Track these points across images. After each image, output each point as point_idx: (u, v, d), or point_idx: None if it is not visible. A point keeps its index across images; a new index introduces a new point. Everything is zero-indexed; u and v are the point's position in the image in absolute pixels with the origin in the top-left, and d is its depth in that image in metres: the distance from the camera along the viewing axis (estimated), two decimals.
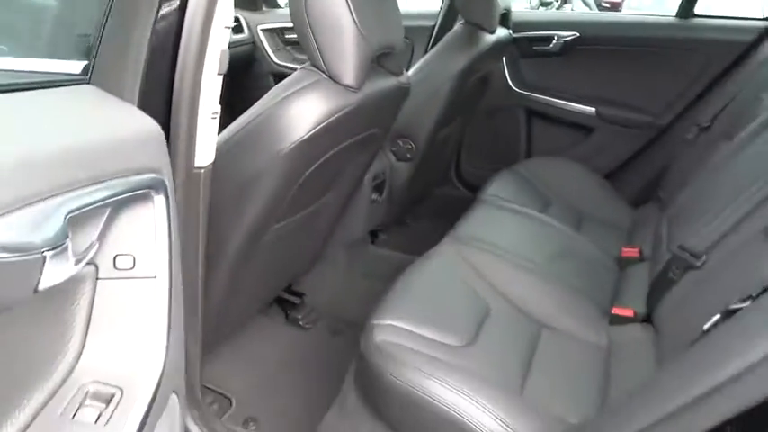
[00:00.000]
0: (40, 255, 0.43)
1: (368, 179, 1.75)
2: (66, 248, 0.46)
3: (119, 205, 0.61)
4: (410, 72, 1.78)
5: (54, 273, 0.46)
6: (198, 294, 1.04)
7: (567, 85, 2.34)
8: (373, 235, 2.16)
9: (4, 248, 0.39)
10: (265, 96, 1.09)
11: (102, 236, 0.61)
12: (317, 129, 1.05)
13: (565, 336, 1.36)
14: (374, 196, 1.81)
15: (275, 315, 1.80)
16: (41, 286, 0.45)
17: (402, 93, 1.35)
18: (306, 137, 1.04)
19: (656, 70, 2.23)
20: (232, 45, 2.06)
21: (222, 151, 1.11)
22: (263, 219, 1.14)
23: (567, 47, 2.28)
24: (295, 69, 1.15)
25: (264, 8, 2.64)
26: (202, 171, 0.93)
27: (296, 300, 1.84)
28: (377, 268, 1.97)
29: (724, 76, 2.11)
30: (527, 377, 1.16)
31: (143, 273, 0.64)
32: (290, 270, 1.64)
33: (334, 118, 1.06)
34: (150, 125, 0.67)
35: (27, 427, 0.52)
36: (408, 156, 1.87)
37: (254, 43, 2.49)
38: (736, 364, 0.68)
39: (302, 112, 1.04)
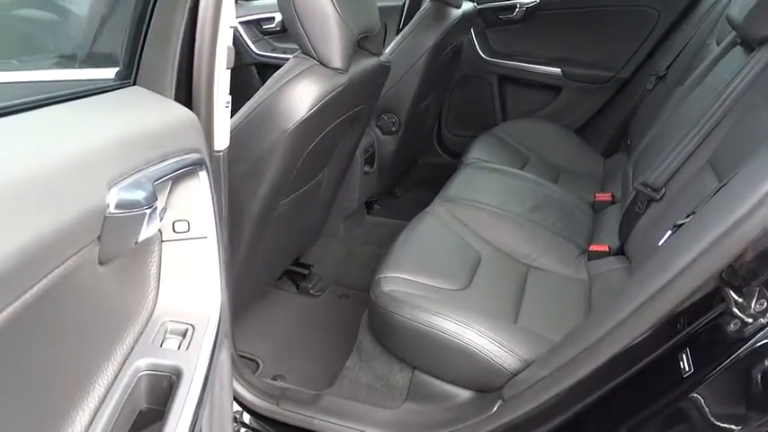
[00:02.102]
0: (143, 211, 0.58)
1: (359, 153, 1.89)
2: (157, 208, 0.61)
3: (174, 179, 0.75)
4: (386, 51, 1.92)
5: (148, 227, 0.61)
6: (226, 261, 1.19)
7: (533, 49, 2.50)
8: (368, 206, 2.31)
9: (125, 206, 0.54)
10: (266, 84, 1.22)
11: (166, 204, 0.76)
12: (314, 109, 1.19)
13: (549, 273, 1.53)
14: (366, 168, 1.96)
15: (287, 287, 1.95)
16: (141, 238, 0.60)
17: (383, 70, 1.49)
18: (306, 116, 1.18)
19: (614, 27, 2.39)
20: None
21: (234, 135, 1.25)
22: (274, 193, 1.28)
23: (529, 13, 2.43)
24: (275, 58, 1.29)
25: (239, 1, 2.74)
26: (221, 154, 1.08)
27: (305, 271, 1.99)
28: (374, 236, 2.13)
29: (675, 26, 2.28)
30: (519, 310, 1.33)
31: (196, 234, 0.79)
32: (300, 242, 1.78)
33: (328, 98, 1.21)
34: (189, 115, 0.82)
35: (130, 353, 0.67)
36: (393, 129, 2.02)
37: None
38: (673, 268, 0.85)
39: (301, 94, 1.18)
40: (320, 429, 1.26)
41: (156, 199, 0.60)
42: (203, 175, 0.79)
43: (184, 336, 0.74)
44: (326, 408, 1.30)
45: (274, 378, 1.55)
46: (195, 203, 0.79)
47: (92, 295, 0.58)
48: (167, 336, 0.73)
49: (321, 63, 1.22)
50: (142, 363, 0.67)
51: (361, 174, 1.93)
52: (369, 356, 1.41)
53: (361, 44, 1.41)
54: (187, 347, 0.72)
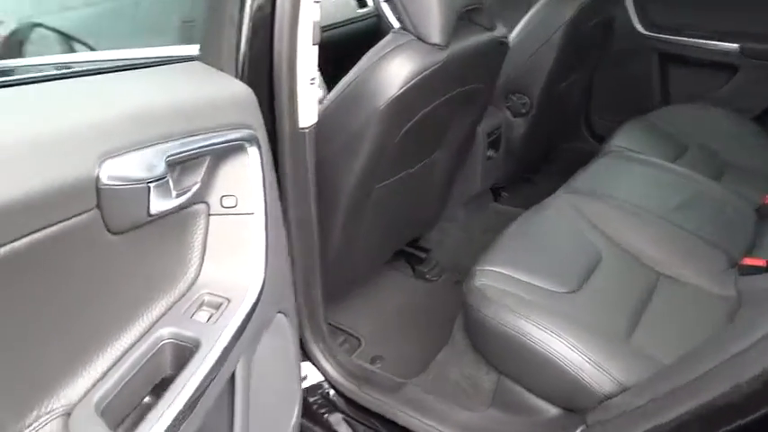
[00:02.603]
0: (145, 185, 0.58)
1: (482, 136, 1.79)
2: (167, 182, 0.61)
3: (220, 154, 0.76)
4: (519, 25, 1.77)
5: (160, 201, 0.61)
6: (314, 239, 1.18)
7: (704, 21, 2.13)
8: (496, 193, 2.19)
9: (119, 179, 0.55)
10: (361, 60, 1.19)
11: (209, 179, 0.76)
12: (406, 87, 1.13)
13: (686, 286, 1.30)
14: (490, 152, 1.85)
15: (403, 269, 1.93)
16: (153, 210, 0.61)
17: (497, 47, 1.37)
18: (397, 94, 1.12)
19: None
20: (358, 19, 2.20)
21: (329, 111, 1.24)
22: (368, 172, 1.25)
23: None
24: None
25: None
26: (306, 131, 1.07)
27: (422, 255, 1.95)
28: (497, 224, 2.00)
29: None
30: (637, 325, 1.15)
31: (244, 210, 0.79)
32: (410, 225, 1.74)
33: (423, 75, 1.14)
34: (244, 91, 0.81)
35: (159, 318, 0.70)
36: (523, 110, 1.87)
37: (378, 15, 2.59)
38: None
39: (393, 72, 1.13)
40: (397, 419, 1.23)
41: (165, 173, 0.60)
42: (253, 151, 0.79)
43: (218, 309, 0.74)
44: (408, 399, 1.25)
45: (373, 358, 1.54)
46: (243, 179, 0.78)
47: (106, 261, 0.60)
48: (202, 308, 0.74)
49: (419, 38, 1.16)
50: (166, 331, 0.69)
51: (484, 158, 1.83)
52: (460, 352, 1.34)
53: (471, 17, 1.30)
54: (215, 321, 0.72)
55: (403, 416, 1.22)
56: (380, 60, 1.15)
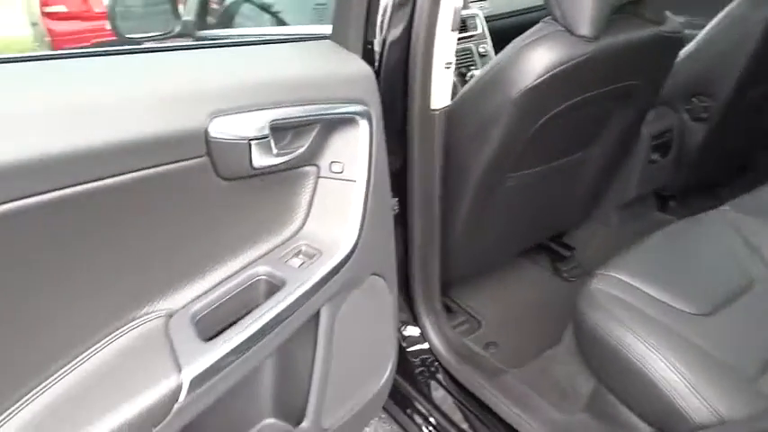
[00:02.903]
0: (246, 142, 0.70)
1: (646, 137, 1.67)
2: (269, 142, 0.73)
3: (332, 124, 0.86)
4: (713, 21, 1.59)
5: (261, 157, 0.73)
6: (435, 218, 1.25)
7: None
8: (664, 201, 2.02)
9: (225, 134, 0.67)
10: (507, 47, 1.20)
11: (321, 145, 0.87)
12: (544, 77, 1.12)
13: None
14: (654, 156, 1.71)
15: (543, 263, 1.90)
16: (255, 164, 0.73)
17: (664, 42, 1.27)
18: (531, 85, 1.12)
19: None
20: (536, 9, 2.15)
21: (467, 95, 1.28)
22: (498, 161, 1.27)
23: None
24: None
25: None
26: (437, 113, 1.13)
27: (566, 253, 1.90)
28: (652, 232, 1.87)
29: None
30: None
31: (348, 176, 0.89)
32: (547, 221, 1.71)
33: (562, 68, 1.11)
34: (364, 70, 0.90)
35: (258, 258, 0.83)
36: (704, 115, 1.69)
37: None
38: None
39: (532, 61, 1.12)
40: (489, 403, 1.25)
41: (267, 134, 0.71)
42: (364, 124, 0.87)
43: (310, 258, 0.85)
44: (504, 386, 1.27)
45: (488, 344, 1.57)
46: (352, 149, 0.88)
47: (217, 201, 0.74)
48: (298, 255, 0.86)
49: (567, 29, 1.13)
50: (262, 269, 0.82)
51: (645, 161, 1.70)
52: (567, 353, 1.31)
53: (636, 11, 1.22)
54: (306, 267, 0.83)
55: (495, 401, 1.25)
56: (522, 49, 1.15)
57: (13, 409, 0.57)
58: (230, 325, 0.74)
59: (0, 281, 0.55)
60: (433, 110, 1.12)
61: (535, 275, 1.86)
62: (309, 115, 0.79)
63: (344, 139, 0.87)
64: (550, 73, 1.11)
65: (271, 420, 0.96)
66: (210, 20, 1.94)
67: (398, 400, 1.39)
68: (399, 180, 1.21)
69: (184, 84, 0.67)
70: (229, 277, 0.79)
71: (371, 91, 0.89)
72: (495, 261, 1.71)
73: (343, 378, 0.99)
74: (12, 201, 0.51)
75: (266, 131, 0.71)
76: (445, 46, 1.07)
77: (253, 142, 0.70)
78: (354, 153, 0.88)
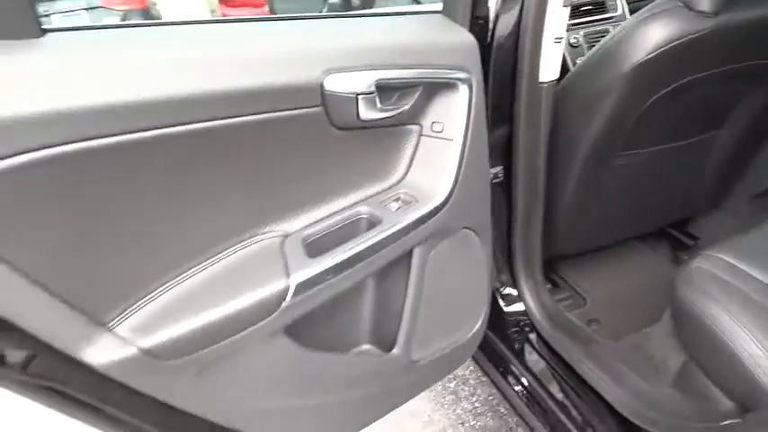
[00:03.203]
0: (354, 96, 0.84)
1: None
2: (374, 98, 0.86)
3: (435, 87, 0.96)
4: None
5: (367, 111, 0.86)
6: (539, 185, 1.31)
7: None
8: None
9: (336, 88, 0.82)
10: (623, 22, 1.22)
11: (424, 106, 0.98)
12: (657, 52, 1.13)
13: None
14: None
15: (662, 250, 1.86)
16: (361, 116, 0.86)
17: None
18: (643, 59, 1.13)
19: None
20: None
21: (581, 69, 1.32)
22: (607, 137, 1.29)
23: None
24: None
25: None
26: (545, 86, 1.19)
27: (689, 242, 1.84)
28: None
29: None
30: None
31: (447, 136, 0.99)
32: (663, 206, 1.66)
33: (677, 43, 1.11)
34: (469, 41, 0.99)
35: (362, 200, 0.97)
36: None
37: None
38: None
39: (645, 35, 1.14)
40: (577, 368, 1.30)
41: (373, 91, 0.85)
42: (464, 90, 0.97)
43: (407, 204, 0.98)
44: (595, 355, 1.31)
45: (590, 320, 1.60)
46: (451, 111, 0.98)
47: (330, 147, 0.89)
48: (397, 201, 0.99)
49: (686, 5, 1.13)
50: (364, 209, 0.96)
51: None
52: (664, 330, 1.31)
53: None
54: (402, 212, 0.96)
55: (584, 367, 1.29)
56: (638, 23, 1.17)
57: (169, 284, 0.77)
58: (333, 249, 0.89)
59: (164, 192, 0.74)
60: (541, 83, 1.18)
61: (652, 262, 1.83)
62: (413, 78, 0.91)
63: (445, 102, 0.98)
64: (663, 48, 1.12)
65: (367, 346, 1.10)
66: (355, 2, 2.13)
67: (492, 356, 1.48)
68: (506, 149, 1.29)
69: (307, 45, 0.83)
70: (337, 212, 0.95)
71: (474, 61, 0.99)
72: (603, 241, 1.71)
73: (432, 318, 1.11)
74: (171, 126, 0.70)
75: (372, 89, 0.85)
76: (556, 21, 1.12)
77: (360, 97, 0.84)
78: (454, 115, 0.98)
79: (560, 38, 1.16)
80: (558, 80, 1.22)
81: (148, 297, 0.75)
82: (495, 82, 1.18)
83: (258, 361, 0.85)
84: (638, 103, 1.23)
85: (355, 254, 0.89)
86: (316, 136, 0.87)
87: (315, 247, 0.89)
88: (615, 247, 1.79)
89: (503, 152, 1.29)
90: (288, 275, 0.82)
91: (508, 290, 1.46)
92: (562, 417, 1.28)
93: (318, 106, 0.83)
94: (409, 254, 1.01)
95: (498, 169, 1.31)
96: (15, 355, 0.69)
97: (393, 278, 1.03)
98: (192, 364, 0.77)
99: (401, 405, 1.21)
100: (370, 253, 0.91)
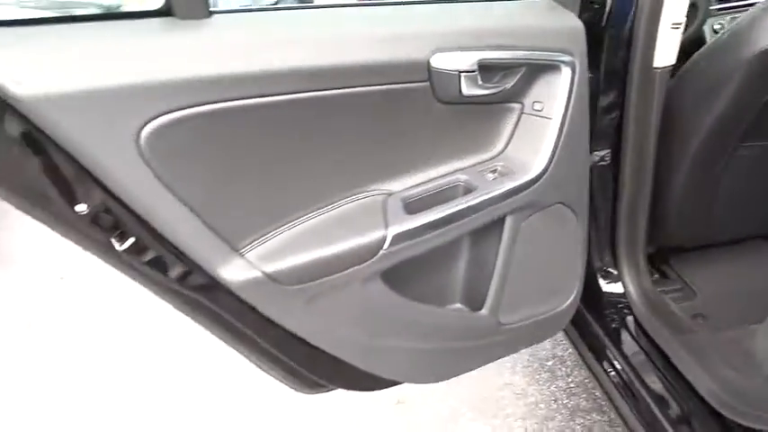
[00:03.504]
0: (457, 73, 0.94)
1: None
2: (476, 76, 0.95)
3: (538, 68, 1.03)
4: None
5: (469, 88, 0.95)
6: (646, 171, 1.32)
7: None
8: None
9: (442, 65, 0.92)
10: (752, 8, 1.19)
11: (526, 86, 1.05)
12: None
13: None
14: None
15: None
16: (464, 92, 0.96)
17: None
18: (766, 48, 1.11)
19: None
20: None
21: (701, 55, 1.29)
22: (725, 126, 1.26)
23: None
24: None
25: None
26: (659, 71, 1.20)
27: None
28: None
29: None
30: None
31: (546, 114, 1.06)
32: None
33: None
34: (576, 25, 1.04)
35: (461, 169, 1.07)
36: None
37: None
38: None
39: None
40: (670, 355, 1.30)
41: (474, 70, 0.94)
42: (567, 72, 1.03)
43: (501, 176, 1.07)
44: (690, 344, 1.30)
45: (696, 315, 1.57)
46: (552, 91, 1.05)
47: (435, 119, 1.00)
48: (494, 173, 1.08)
49: None
50: (462, 177, 1.06)
51: None
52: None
53: None
54: (497, 181, 1.05)
55: (678, 356, 1.29)
56: (765, 9, 1.14)
57: (291, 223, 0.94)
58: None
59: (295, 146, 0.90)
60: (656, 68, 1.19)
61: None
62: (516, 59, 0.99)
63: (547, 82, 1.05)
64: None
65: (458, 305, 1.21)
66: None
67: (587, 337, 1.51)
68: (615, 133, 1.31)
69: (418, 27, 0.94)
70: (436, 178, 1.06)
71: (579, 45, 1.04)
72: (721, 236, 1.65)
73: (521, 285, 1.19)
74: (305, 92, 0.85)
75: (475, 68, 0.94)
76: (675, 6, 1.13)
77: (462, 74, 0.94)
78: (554, 95, 1.05)
79: (678, 23, 1.16)
80: (678, 66, 1.21)
81: (274, 231, 0.92)
82: (607, 65, 1.21)
83: (358, 299, 1.00)
84: (761, 91, 1.20)
85: (449, 214, 1.00)
86: (422, 108, 0.98)
87: (413, 206, 1.01)
88: (737, 245, 1.71)
89: (612, 136, 1.32)
90: (387, 227, 0.95)
91: (609, 270, 1.48)
92: (653, 406, 1.30)
93: (425, 81, 0.94)
94: (502, 222, 1.09)
95: (606, 152, 1.34)
96: (175, 270, 0.89)
97: (485, 244, 1.12)
98: (303, 292, 0.93)
99: (489, 363, 1.30)
100: (462, 216, 1.01)
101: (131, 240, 0.83)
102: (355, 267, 0.95)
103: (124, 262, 0.87)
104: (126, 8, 0.87)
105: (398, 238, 0.96)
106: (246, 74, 0.81)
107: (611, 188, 1.39)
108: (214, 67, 0.79)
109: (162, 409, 1.92)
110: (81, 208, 0.79)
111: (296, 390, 1.20)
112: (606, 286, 1.49)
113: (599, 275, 1.50)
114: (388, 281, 1.02)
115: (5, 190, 0.76)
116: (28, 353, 2.25)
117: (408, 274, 1.07)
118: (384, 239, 0.95)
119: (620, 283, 1.47)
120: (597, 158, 1.33)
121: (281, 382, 1.17)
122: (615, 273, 1.47)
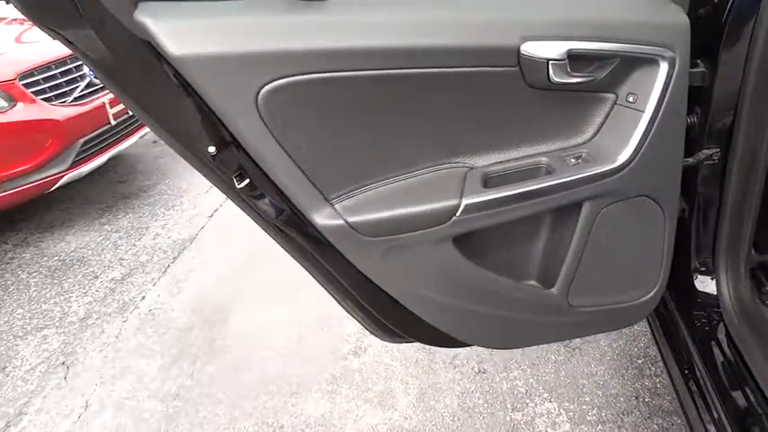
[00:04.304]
0: (545, 61, 0.99)
1: None
2: (565, 65, 0.99)
3: (634, 60, 1.03)
4: None
5: (558, 75, 1.00)
6: (758, 174, 1.26)
7: None
8: None
9: (531, 53, 0.98)
10: None
11: (621, 78, 1.05)
12: None
13: None
14: None
15: None
16: (552, 79, 1.01)
17: None
18: None
19: None
20: None
21: None
22: None
23: None
24: None
25: None
26: None
27: None
28: None
29: None
30: None
31: (639, 107, 1.07)
32: None
33: None
34: (680, 19, 1.02)
35: (545, 153, 1.12)
36: None
37: None
38: None
39: None
40: (753, 369, 1.26)
41: (564, 59, 0.99)
42: (664, 67, 1.04)
43: (582, 160, 1.11)
44: None
45: None
46: (647, 85, 1.06)
47: (525, 102, 1.07)
48: (578, 159, 1.12)
49: None
50: (544, 159, 1.12)
51: None
52: None
53: None
54: (576, 167, 1.10)
55: (760, 368, 1.25)
56: None
57: (378, 182, 1.07)
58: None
59: (391, 116, 1.02)
60: None
61: None
62: (608, 50, 1.02)
63: (643, 75, 1.06)
64: None
65: (532, 282, 1.28)
66: None
67: (672, 335, 1.49)
68: (727, 132, 1.27)
69: (509, 15, 1.01)
70: (520, 158, 1.13)
71: (681, 40, 1.04)
72: None
73: (596, 271, 1.22)
74: (405, 68, 0.96)
75: (564, 57, 0.99)
76: None
77: (550, 62, 0.99)
78: (650, 89, 1.06)
79: None
80: None
81: (363, 188, 1.06)
82: (724, 62, 1.18)
83: (429, 258, 1.11)
84: None
85: (523, 192, 1.07)
86: (511, 91, 1.05)
87: (492, 181, 1.10)
88: None
89: (723, 135, 1.28)
90: (462, 197, 1.05)
91: (706, 272, 1.44)
92: (727, 425, 1.26)
93: (515, 66, 1.01)
94: (579, 206, 1.14)
95: (714, 151, 1.31)
96: (278, 209, 1.06)
97: (560, 226, 1.18)
98: (380, 244, 1.07)
99: (558, 341, 1.37)
100: (537, 195, 1.08)
101: (247, 181, 1.02)
102: (429, 229, 1.06)
103: (240, 198, 1.06)
104: None
105: (471, 208, 1.05)
106: (352, 49, 0.94)
107: (719, 187, 1.35)
108: (323, 42, 0.93)
109: None
110: (212, 149, 0.99)
111: (377, 336, 1.35)
112: (701, 287, 1.46)
113: (695, 275, 1.47)
114: (460, 247, 1.12)
115: (160, 127, 0.97)
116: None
117: (483, 244, 1.16)
118: (458, 207, 1.05)
119: (715, 285, 1.43)
120: (704, 156, 1.30)
121: (363, 326, 1.32)
122: (712, 275, 1.44)
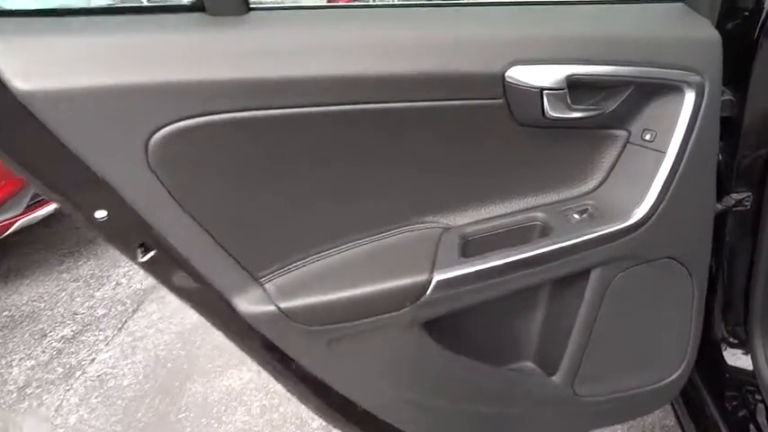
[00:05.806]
0: (539, 91, 0.75)
1: None
2: (564, 95, 0.75)
3: (650, 88, 0.80)
4: None
5: (555, 109, 0.76)
6: None
7: None
8: None
9: (520, 80, 0.73)
10: None
11: (634, 110, 0.82)
12: None
13: None
14: None
15: None
16: (548, 114, 0.77)
17: None
18: None
19: None
20: None
21: None
22: None
23: None
24: None
25: None
26: None
27: None
28: None
29: None
30: None
31: (658, 147, 0.83)
32: None
33: None
34: (710, 37, 0.79)
35: (542, 206, 0.87)
36: None
37: None
38: None
39: None
40: None
41: (562, 87, 0.75)
42: (690, 96, 0.80)
43: (591, 217, 0.86)
44: None
45: None
46: (669, 119, 0.82)
47: (511, 143, 0.82)
48: (582, 214, 0.87)
49: None
50: (540, 215, 0.87)
51: None
52: None
53: None
54: (579, 224, 0.85)
55: None
56: None
57: (320, 255, 0.81)
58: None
59: (331, 167, 0.77)
60: None
61: None
62: (620, 76, 0.78)
63: (663, 106, 0.82)
64: None
65: (529, 364, 1.02)
66: None
67: (699, 417, 1.23)
68: (761, 174, 1.03)
69: (492, 32, 0.77)
70: (509, 214, 0.88)
71: (712, 62, 0.81)
72: None
73: (609, 352, 0.97)
74: (346, 104, 0.72)
75: (562, 84, 0.75)
76: None
77: (545, 92, 0.75)
78: (672, 124, 0.82)
79: None
80: None
81: (299, 263, 0.80)
82: (755, 89, 0.95)
83: (391, 349, 0.85)
84: None
85: (511, 262, 0.81)
86: (495, 130, 0.81)
87: (473, 247, 0.84)
88: None
89: (755, 175, 1.04)
90: (432, 270, 0.80)
91: (738, 342, 1.19)
92: None
93: (499, 99, 0.77)
94: (586, 274, 0.88)
95: (745, 195, 1.06)
96: (193, 291, 0.80)
97: (564, 299, 0.92)
98: (324, 334, 0.80)
99: None
100: (531, 264, 0.82)
101: (152, 253, 0.76)
102: (388, 315, 0.80)
103: (148, 271, 0.80)
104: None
105: (444, 285, 0.80)
106: (282, 79, 0.69)
107: (750, 240, 1.11)
108: (246, 71, 0.68)
109: None
110: (101, 214, 0.73)
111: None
112: (732, 361, 1.20)
113: (723, 347, 1.21)
114: (433, 332, 0.86)
115: (40, 183, 0.71)
116: None
117: (463, 326, 0.91)
118: (427, 285, 0.80)
119: (749, 360, 1.17)
120: (734, 201, 1.06)
121: (316, 414, 1.05)
122: (745, 346, 1.18)
